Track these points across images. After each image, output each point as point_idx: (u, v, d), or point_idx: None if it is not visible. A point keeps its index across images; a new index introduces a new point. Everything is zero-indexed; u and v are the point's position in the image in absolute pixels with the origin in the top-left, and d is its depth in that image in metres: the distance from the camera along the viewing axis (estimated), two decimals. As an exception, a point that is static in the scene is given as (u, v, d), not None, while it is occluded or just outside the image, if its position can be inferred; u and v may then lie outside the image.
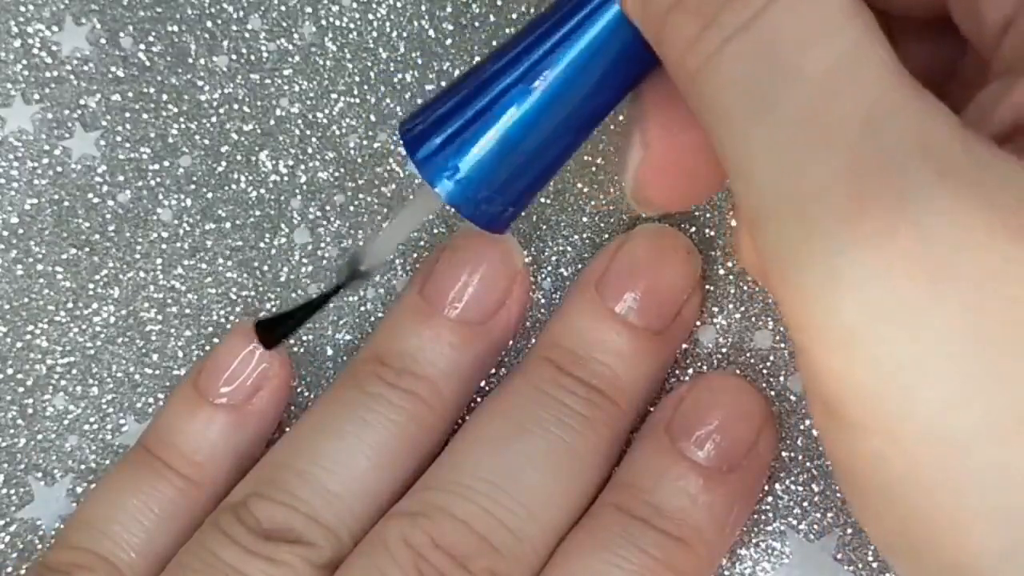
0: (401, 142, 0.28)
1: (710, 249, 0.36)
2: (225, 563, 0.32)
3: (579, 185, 0.37)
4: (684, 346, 0.36)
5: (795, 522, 0.35)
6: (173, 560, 0.34)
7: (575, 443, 0.33)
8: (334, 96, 0.38)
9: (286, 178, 0.38)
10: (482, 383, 0.36)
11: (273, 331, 0.31)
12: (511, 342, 0.36)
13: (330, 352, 0.37)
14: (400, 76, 0.38)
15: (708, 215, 0.36)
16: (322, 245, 0.37)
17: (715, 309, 0.36)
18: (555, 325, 0.34)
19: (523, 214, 0.36)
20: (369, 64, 0.38)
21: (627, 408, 0.34)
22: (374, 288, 0.37)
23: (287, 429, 0.36)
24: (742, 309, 0.36)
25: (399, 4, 0.38)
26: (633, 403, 0.34)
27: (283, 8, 0.38)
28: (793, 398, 0.35)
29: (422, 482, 0.33)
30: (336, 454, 0.33)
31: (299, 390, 0.37)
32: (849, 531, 0.35)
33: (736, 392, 0.34)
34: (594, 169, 0.37)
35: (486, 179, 0.27)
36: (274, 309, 0.37)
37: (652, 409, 0.35)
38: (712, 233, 0.36)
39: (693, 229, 0.36)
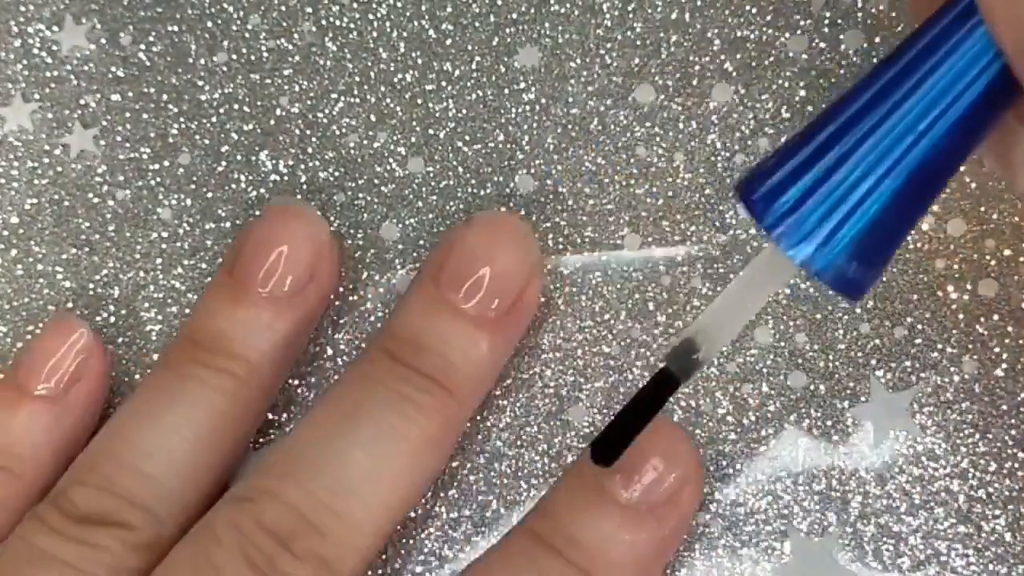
0: (741, 198, 0.26)
1: (711, 249, 0.36)
2: (40, 550, 0.33)
3: (579, 185, 0.37)
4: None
5: (795, 522, 0.35)
6: None
7: (406, 429, 0.33)
8: (334, 96, 0.38)
9: (286, 178, 0.38)
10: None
11: (610, 447, 0.29)
12: (513, 347, 0.36)
13: (330, 352, 0.37)
14: (400, 76, 0.38)
15: (709, 214, 0.36)
16: (322, 245, 0.37)
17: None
18: (395, 317, 0.35)
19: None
20: (369, 64, 0.38)
21: (462, 397, 0.34)
22: (374, 287, 0.37)
23: (288, 429, 0.36)
24: (742, 308, 0.36)
25: (399, 4, 0.38)
26: (470, 392, 0.34)
27: (283, 8, 0.38)
28: (794, 396, 0.35)
29: (253, 469, 0.34)
30: (153, 437, 0.34)
31: (299, 390, 0.37)
32: (849, 531, 0.35)
33: (669, 440, 0.34)
34: (594, 169, 0.37)
35: (853, 246, 0.26)
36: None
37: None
38: (712, 230, 0.36)
39: (692, 228, 0.36)
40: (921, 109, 0.25)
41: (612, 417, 0.29)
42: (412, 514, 0.36)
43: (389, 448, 0.33)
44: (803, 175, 0.26)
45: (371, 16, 0.38)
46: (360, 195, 0.37)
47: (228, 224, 0.38)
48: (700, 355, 0.28)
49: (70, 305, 0.38)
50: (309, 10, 0.38)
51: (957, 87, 0.25)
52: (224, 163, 0.38)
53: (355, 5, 0.38)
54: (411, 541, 0.36)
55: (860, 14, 0.36)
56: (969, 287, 0.35)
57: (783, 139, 0.35)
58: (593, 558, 0.32)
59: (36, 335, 0.36)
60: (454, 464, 0.36)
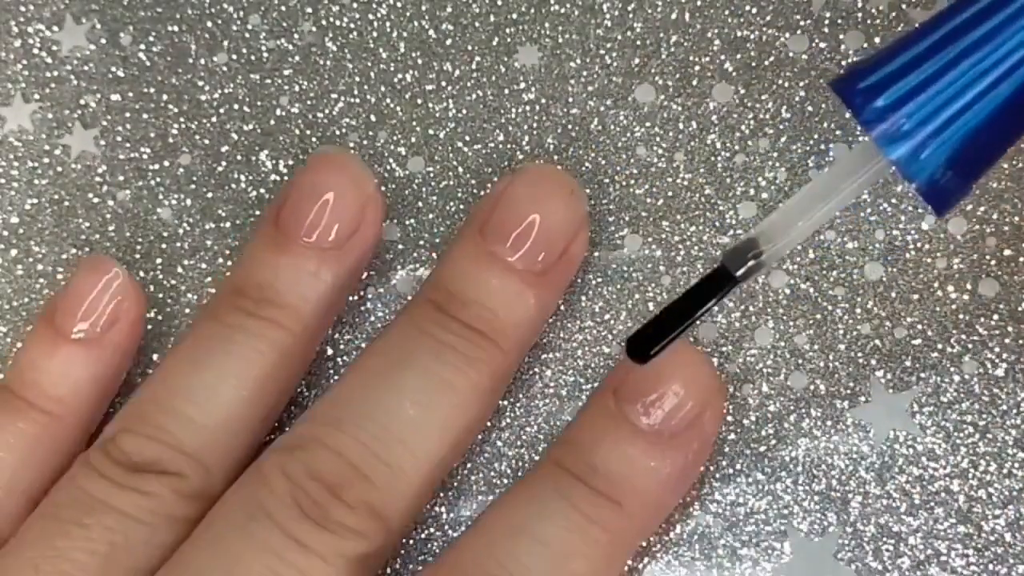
0: (838, 91, 0.25)
1: (711, 249, 0.36)
2: (94, 497, 0.33)
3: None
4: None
5: (795, 522, 0.35)
6: (45, 499, 0.34)
7: (454, 380, 0.33)
8: (334, 96, 0.38)
9: (286, 178, 0.38)
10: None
11: (649, 341, 0.28)
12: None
13: (330, 352, 0.37)
14: (400, 76, 0.38)
15: (709, 214, 0.36)
16: (322, 245, 0.37)
17: (715, 307, 0.36)
18: (440, 268, 0.35)
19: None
20: (369, 64, 0.38)
21: (508, 349, 0.34)
22: (374, 287, 0.37)
23: (287, 429, 0.36)
24: (742, 307, 0.36)
25: (399, 4, 0.38)
26: (515, 344, 0.34)
27: (283, 8, 0.38)
28: (793, 397, 0.35)
29: (302, 417, 0.34)
30: (201, 386, 0.34)
31: (299, 389, 0.37)
32: (849, 531, 0.35)
33: (689, 363, 0.34)
34: (594, 169, 0.37)
35: (951, 153, 0.25)
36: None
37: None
38: (712, 230, 0.36)
39: (693, 228, 0.36)
40: None
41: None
42: (412, 514, 0.36)
43: (437, 398, 0.33)
44: (908, 75, 0.25)
45: (371, 16, 0.38)
46: (360, 195, 0.37)
47: (228, 224, 0.38)
48: (762, 256, 0.27)
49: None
50: (309, 10, 0.38)
51: None
52: (224, 163, 0.38)
53: (355, 5, 0.38)
54: (411, 541, 0.36)
55: (860, 14, 0.36)
56: (969, 287, 0.35)
57: (783, 140, 0.35)
58: (619, 486, 0.32)
59: (71, 277, 0.36)
60: (454, 464, 0.36)
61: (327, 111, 0.38)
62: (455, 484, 0.36)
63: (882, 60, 0.26)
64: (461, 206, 0.37)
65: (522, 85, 0.37)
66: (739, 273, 0.27)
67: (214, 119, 0.38)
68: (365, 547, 0.32)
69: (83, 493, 0.33)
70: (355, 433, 0.32)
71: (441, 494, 0.36)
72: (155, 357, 0.37)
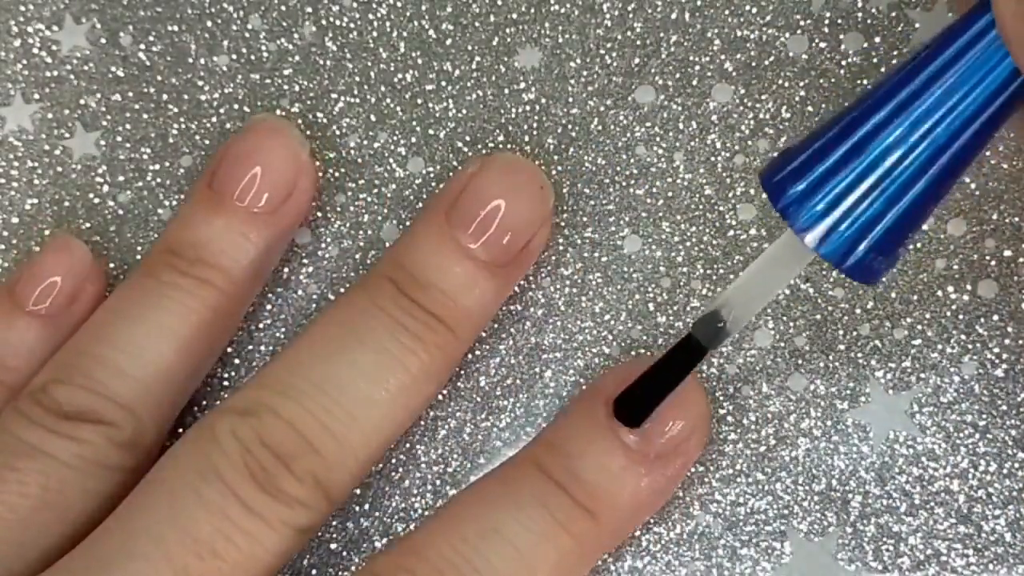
0: (762, 183, 0.28)
1: (711, 249, 0.36)
2: (26, 442, 0.33)
3: (579, 185, 0.37)
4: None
5: (795, 522, 0.35)
6: None
7: (407, 360, 0.33)
8: (334, 96, 0.38)
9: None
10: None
11: (635, 408, 0.32)
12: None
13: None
14: (400, 76, 0.38)
15: (709, 214, 0.36)
16: (322, 245, 0.37)
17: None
18: (402, 245, 0.35)
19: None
20: (369, 64, 0.38)
21: (462, 335, 0.34)
22: (374, 288, 0.37)
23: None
24: (742, 309, 0.36)
25: (399, 4, 0.38)
26: (469, 330, 0.35)
27: (283, 8, 0.38)
28: (793, 398, 0.35)
29: (254, 380, 0.34)
30: (133, 339, 0.34)
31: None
32: (849, 531, 0.35)
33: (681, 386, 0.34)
34: (594, 169, 0.37)
35: (863, 232, 0.27)
36: (275, 310, 0.37)
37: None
38: (712, 231, 0.36)
39: (693, 229, 0.36)
40: (935, 101, 0.27)
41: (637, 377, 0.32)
42: (413, 514, 0.36)
43: (389, 377, 0.33)
44: (819, 163, 0.27)
45: (371, 16, 0.38)
46: (360, 196, 0.37)
47: (228, 224, 0.38)
48: (726, 325, 0.30)
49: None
50: (309, 10, 0.38)
51: (973, 81, 0.27)
52: (224, 163, 0.38)
53: (355, 5, 0.38)
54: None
55: (860, 15, 0.36)
56: (969, 287, 0.35)
57: (783, 140, 0.35)
58: (597, 498, 0.33)
59: (37, 252, 0.37)
60: (455, 464, 0.36)
61: (327, 111, 0.38)
62: (455, 484, 0.36)
63: (797, 151, 0.28)
64: (461, 206, 0.37)
65: (522, 85, 0.37)
66: (707, 341, 0.30)
67: (214, 119, 0.38)
68: (308, 517, 0.32)
69: (14, 439, 0.33)
70: (308, 404, 0.33)
71: (441, 493, 0.36)
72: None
